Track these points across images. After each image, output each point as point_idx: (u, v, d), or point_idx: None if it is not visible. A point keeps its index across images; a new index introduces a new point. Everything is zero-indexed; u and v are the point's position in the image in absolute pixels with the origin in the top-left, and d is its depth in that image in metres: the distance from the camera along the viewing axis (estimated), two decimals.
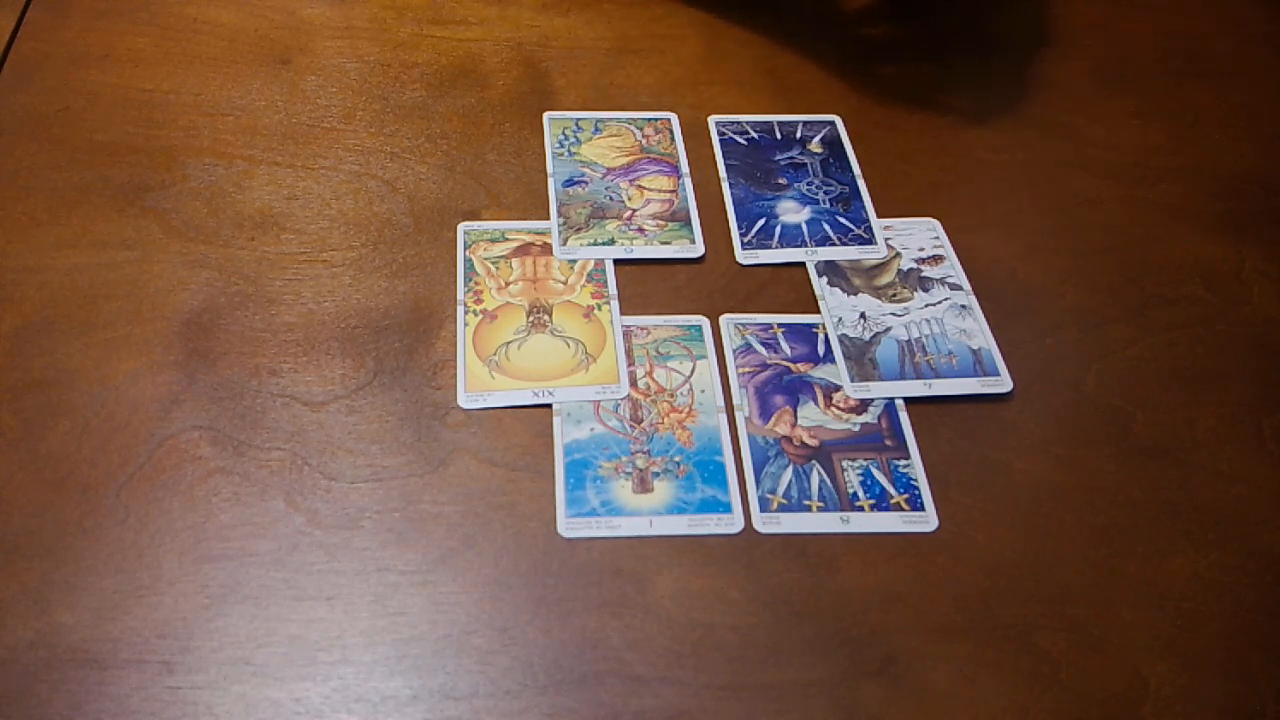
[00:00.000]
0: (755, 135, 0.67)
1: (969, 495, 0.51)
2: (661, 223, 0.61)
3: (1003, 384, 0.55)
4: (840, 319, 0.58)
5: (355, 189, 0.62)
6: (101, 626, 0.45)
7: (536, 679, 0.45)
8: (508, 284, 0.58)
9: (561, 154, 0.65)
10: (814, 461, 0.52)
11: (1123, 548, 0.50)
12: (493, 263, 0.59)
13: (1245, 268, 0.62)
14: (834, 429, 0.53)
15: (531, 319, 0.56)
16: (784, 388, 0.55)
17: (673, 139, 0.66)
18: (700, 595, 0.47)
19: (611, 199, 0.62)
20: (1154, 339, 0.58)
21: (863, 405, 0.54)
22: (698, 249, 0.60)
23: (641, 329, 0.57)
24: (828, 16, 0.75)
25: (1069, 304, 0.60)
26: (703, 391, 0.54)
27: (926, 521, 0.50)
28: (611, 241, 0.60)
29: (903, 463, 0.52)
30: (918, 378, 0.55)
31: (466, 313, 0.56)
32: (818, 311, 0.58)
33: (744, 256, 0.60)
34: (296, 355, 0.54)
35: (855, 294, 0.59)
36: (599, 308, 0.57)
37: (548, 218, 0.61)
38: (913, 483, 0.51)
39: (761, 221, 0.62)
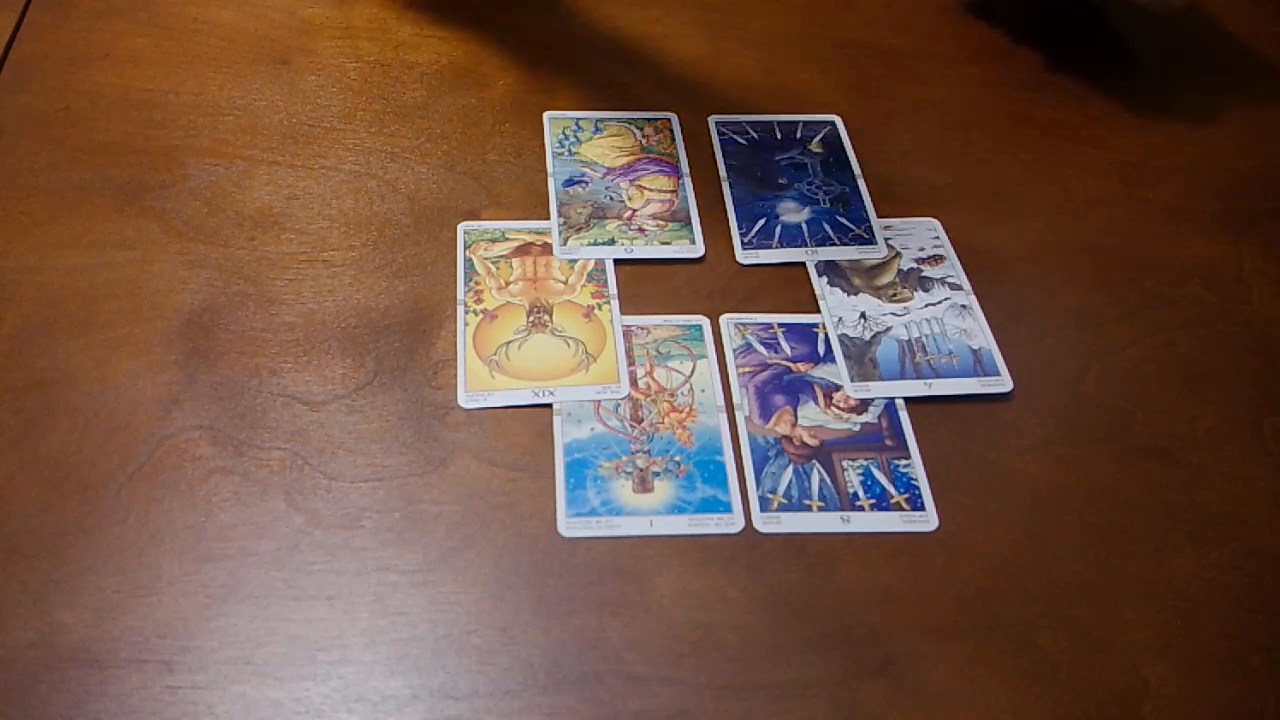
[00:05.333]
0: (755, 135, 0.67)
1: (969, 495, 0.51)
2: (662, 223, 0.61)
3: (1003, 384, 0.55)
4: (840, 319, 0.58)
5: (355, 189, 0.62)
6: (101, 626, 0.45)
7: (536, 679, 0.45)
8: (508, 284, 0.58)
9: (561, 154, 0.65)
10: (814, 461, 0.52)
11: (1123, 548, 0.50)
12: (493, 263, 0.59)
13: (1245, 268, 0.62)
14: (834, 429, 0.53)
15: (532, 319, 0.56)
16: (784, 387, 0.55)
17: (673, 139, 0.66)
18: (700, 595, 0.47)
19: (612, 199, 0.62)
20: (1154, 339, 0.58)
21: (863, 405, 0.54)
22: (698, 249, 0.60)
23: (641, 329, 0.57)
24: (830, 16, 0.75)
25: (1069, 304, 0.60)
26: (703, 391, 0.54)
27: (926, 521, 0.50)
28: (612, 241, 0.60)
29: (903, 462, 0.52)
30: (918, 378, 0.55)
31: (466, 312, 0.56)
32: (818, 311, 0.58)
33: (744, 256, 0.60)
34: (296, 355, 0.54)
35: (855, 294, 0.59)
36: (599, 307, 0.57)
37: (548, 218, 0.61)
38: (913, 482, 0.51)
39: (761, 221, 0.62)
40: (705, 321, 0.57)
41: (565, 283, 0.58)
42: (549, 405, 0.53)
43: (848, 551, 0.49)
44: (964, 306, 0.59)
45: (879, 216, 0.63)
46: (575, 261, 0.59)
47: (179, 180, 0.61)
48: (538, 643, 0.46)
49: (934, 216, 0.63)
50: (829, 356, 0.56)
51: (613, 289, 0.58)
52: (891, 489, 0.51)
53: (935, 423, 0.54)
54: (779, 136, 0.67)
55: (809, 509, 0.50)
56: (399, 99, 0.67)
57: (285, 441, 0.51)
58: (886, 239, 0.62)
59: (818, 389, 0.55)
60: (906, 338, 0.57)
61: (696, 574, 0.48)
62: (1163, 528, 0.51)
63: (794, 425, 0.53)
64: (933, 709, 0.45)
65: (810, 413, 0.54)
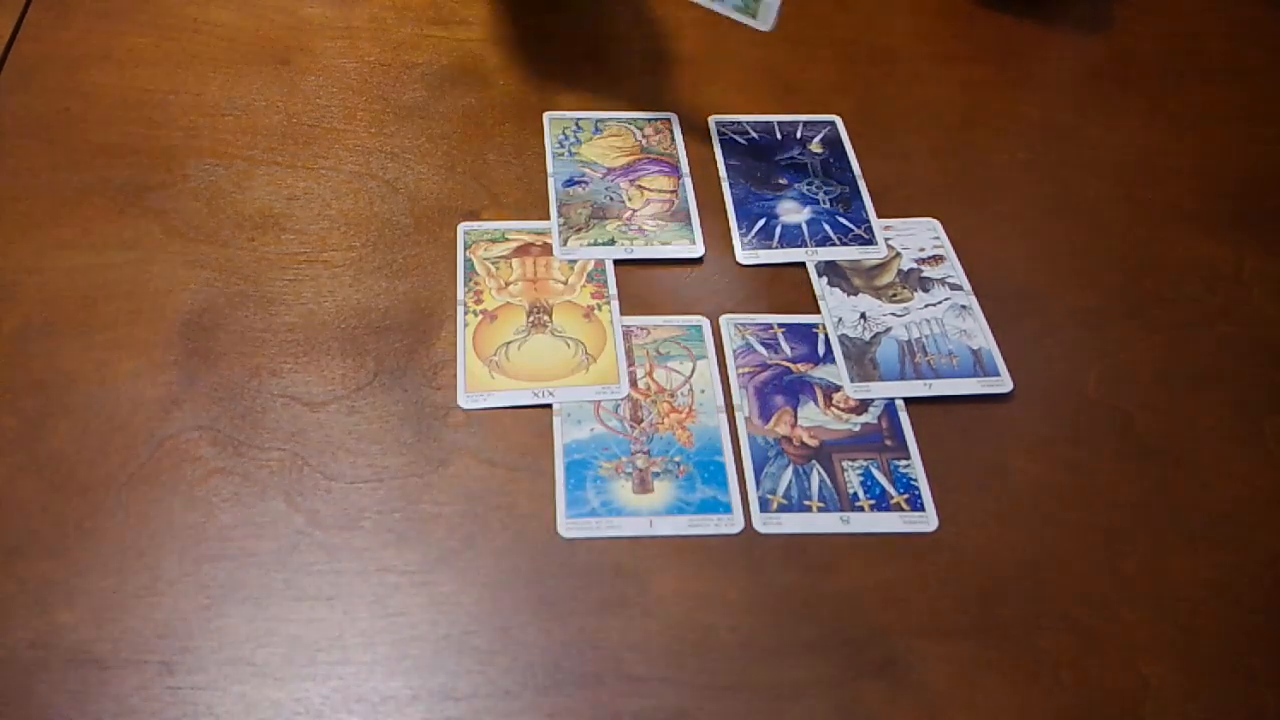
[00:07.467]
0: (755, 135, 0.67)
1: (969, 495, 0.51)
2: (661, 223, 0.61)
3: (1003, 384, 0.55)
4: (840, 319, 0.58)
5: (355, 189, 0.62)
6: (101, 626, 0.45)
7: (536, 679, 0.45)
8: (508, 284, 0.58)
9: (561, 154, 0.65)
10: (814, 462, 0.52)
11: (1123, 548, 0.50)
12: (493, 263, 0.59)
13: (1245, 268, 0.62)
14: (834, 429, 0.53)
15: (531, 319, 0.56)
16: (784, 388, 0.55)
17: (673, 139, 0.66)
18: (700, 595, 0.47)
19: (611, 199, 0.62)
20: (1154, 339, 0.58)
21: (863, 405, 0.54)
22: (698, 249, 0.60)
23: (641, 329, 0.57)
24: (829, 16, 0.76)
25: (1069, 304, 0.60)
26: (703, 392, 0.54)
27: (926, 521, 0.50)
28: (612, 241, 0.60)
29: (903, 463, 0.52)
30: (918, 378, 0.55)
31: (466, 313, 0.56)
32: (818, 311, 0.58)
33: (744, 256, 0.60)
34: (296, 355, 0.54)
35: (855, 294, 0.59)
36: (599, 308, 0.57)
37: (548, 218, 0.61)
38: (913, 483, 0.51)
39: (761, 221, 0.62)
40: (705, 322, 0.57)
41: (565, 283, 0.58)
42: (549, 406, 0.53)
43: (847, 552, 0.49)
44: (964, 307, 0.59)
45: (879, 216, 0.63)
46: (575, 262, 0.59)
47: (179, 180, 0.61)
48: (538, 643, 0.46)
49: (934, 216, 0.63)
50: (829, 357, 0.56)
51: (612, 289, 0.58)
52: (891, 489, 0.51)
53: (935, 423, 0.54)
54: (779, 136, 0.67)
55: (809, 509, 0.50)
56: (399, 99, 0.67)
57: (285, 442, 0.51)
58: (886, 239, 0.62)
59: (818, 389, 0.55)
60: (906, 338, 0.57)
61: (696, 574, 0.48)
62: (1163, 528, 0.51)
63: (794, 426, 0.53)
64: (933, 709, 0.45)
65: (810, 413, 0.54)
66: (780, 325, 0.57)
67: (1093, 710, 0.45)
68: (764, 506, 0.50)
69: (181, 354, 0.54)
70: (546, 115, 0.67)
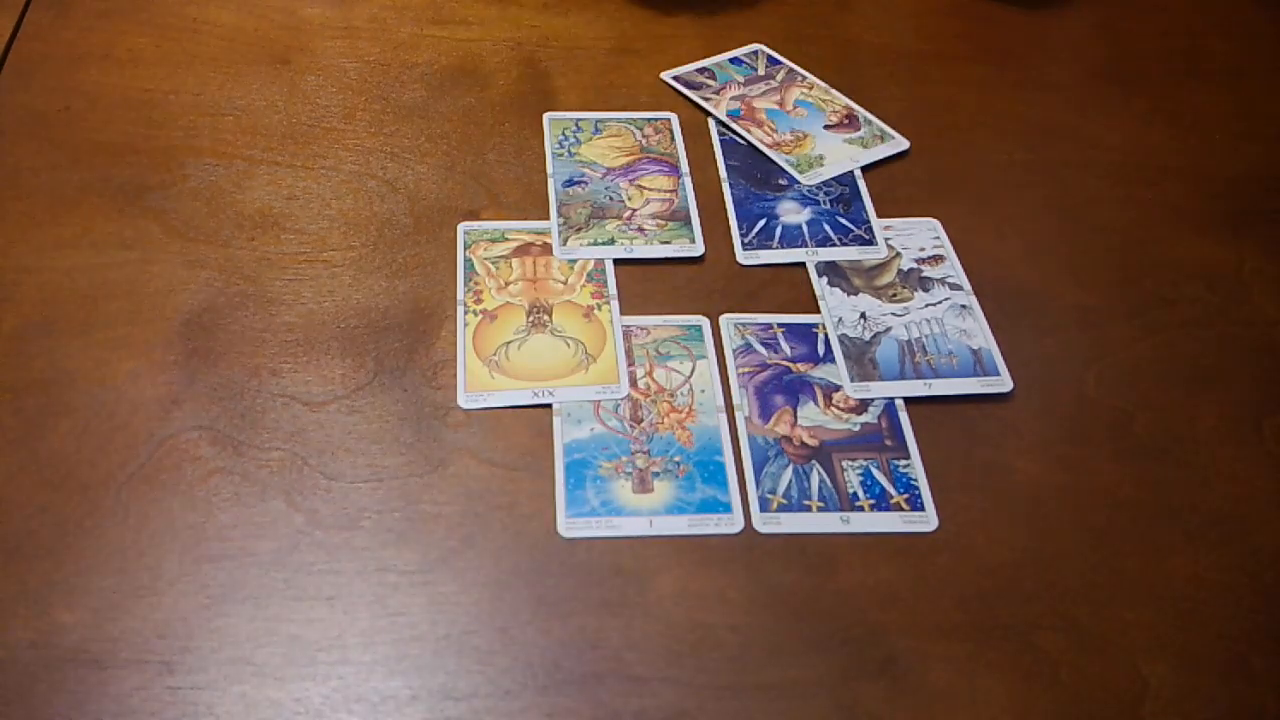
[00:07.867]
0: None
1: (969, 495, 0.51)
2: (661, 223, 0.61)
3: (1003, 384, 0.55)
4: (840, 319, 0.58)
5: (355, 189, 0.62)
6: (101, 626, 0.45)
7: (536, 679, 0.45)
8: (508, 284, 0.58)
9: (561, 154, 0.65)
10: (814, 461, 0.52)
11: (1123, 548, 0.50)
12: (493, 263, 0.59)
13: (1245, 268, 0.62)
14: (834, 429, 0.53)
15: (531, 319, 0.56)
16: (784, 388, 0.55)
17: (673, 139, 0.66)
18: (700, 595, 0.47)
19: (611, 199, 0.62)
20: (1154, 339, 0.58)
21: (863, 405, 0.54)
22: (698, 249, 0.60)
23: (641, 329, 0.57)
24: (829, 16, 0.75)
25: (1069, 304, 0.60)
26: (703, 391, 0.54)
27: (926, 521, 0.50)
28: (611, 241, 0.60)
29: (903, 463, 0.52)
30: (918, 378, 0.55)
31: (466, 313, 0.57)
32: (818, 311, 0.58)
33: (744, 256, 0.60)
34: (296, 355, 0.54)
35: (855, 294, 0.59)
36: (599, 308, 0.57)
37: (548, 218, 0.61)
38: (913, 483, 0.51)
39: (762, 222, 0.62)
40: (705, 322, 0.57)
41: (565, 283, 0.58)
42: (549, 405, 0.53)
43: (847, 552, 0.49)
44: (964, 307, 0.59)
45: (879, 216, 0.63)
46: (575, 261, 0.59)
47: (179, 180, 0.61)
48: (537, 643, 0.46)
49: (934, 216, 0.63)
50: (829, 357, 0.56)
51: (612, 289, 0.58)
52: (891, 489, 0.51)
53: (935, 423, 0.54)
54: None
55: (809, 509, 0.50)
56: (399, 99, 0.67)
57: (285, 441, 0.51)
58: (886, 239, 0.62)
59: (817, 389, 0.55)
60: (906, 338, 0.57)
61: (696, 574, 0.48)
62: (1163, 528, 0.51)
63: (794, 425, 0.53)
64: (933, 709, 0.45)
65: (810, 413, 0.54)
66: (780, 325, 0.57)
67: (1092, 710, 0.45)
68: (764, 506, 0.50)
69: (181, 354, 0.54)
70: (546, 115, 0.67)
